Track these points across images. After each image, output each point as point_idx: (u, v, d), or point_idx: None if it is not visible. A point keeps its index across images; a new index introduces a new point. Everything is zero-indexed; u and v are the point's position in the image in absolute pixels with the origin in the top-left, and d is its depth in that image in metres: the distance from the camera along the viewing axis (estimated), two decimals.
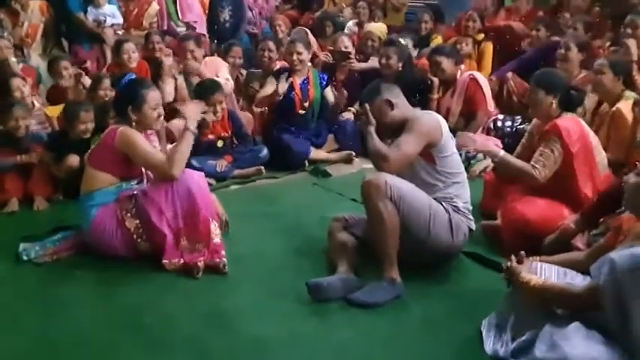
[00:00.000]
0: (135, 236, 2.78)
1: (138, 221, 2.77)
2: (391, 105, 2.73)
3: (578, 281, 2.11)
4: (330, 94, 4.74)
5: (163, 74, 4.58)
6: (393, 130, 2.74)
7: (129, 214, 2.78)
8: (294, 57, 4.55)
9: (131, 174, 2.90)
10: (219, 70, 4.79)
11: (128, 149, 2.79)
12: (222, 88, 4.29)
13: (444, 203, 2.71)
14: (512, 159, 3.02)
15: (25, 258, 2.91)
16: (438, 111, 4.20)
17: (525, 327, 2.06)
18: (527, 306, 2.10)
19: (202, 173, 2.98)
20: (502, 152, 3.02)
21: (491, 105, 4.53)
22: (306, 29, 5.81)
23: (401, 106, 2.76)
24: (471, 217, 2.81)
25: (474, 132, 4.33)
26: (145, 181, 2.97)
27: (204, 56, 4.97)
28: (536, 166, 2.95)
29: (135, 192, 2.83)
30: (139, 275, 2.76)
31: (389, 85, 2.80)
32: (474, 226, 2.84)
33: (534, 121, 3.29)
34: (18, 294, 2.66)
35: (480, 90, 4.42)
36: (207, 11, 6.28)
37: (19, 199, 3.63)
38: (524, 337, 2.02)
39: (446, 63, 4.42)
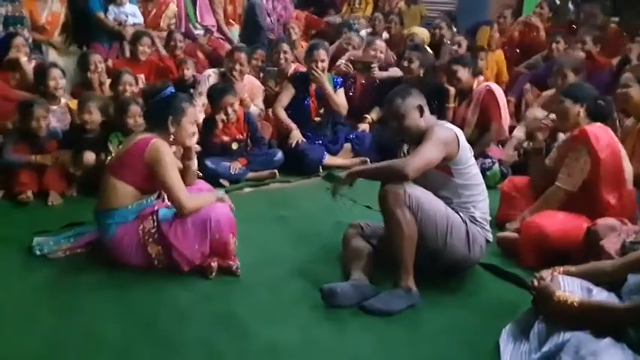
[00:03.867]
0: (156, 261, 2.75)
1: (160, 247, 2.72)
2: (421, 111, 2.72)
3: (603, 298, 2.06)
4: (341, 95, 4.73)
5: (196, 93, 4.59)
6: (413, 138, 2.73)
7: (151, 240, 2.72)
8: (319, 64, 4.55)
9: (152, 187, 2.80)
10: (256, 97, 4.78)
11: (156, 166, 2.68)
12: (235, 91, 4.28)
13: (461, 213, 2.68)
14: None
15: (38, 252, 2.90)
16: (453, 120, 4.20)
17: (551, 335, 2.00)
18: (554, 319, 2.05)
19: (226, 205, 2.86)
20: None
21: (506, 118, 4.49)
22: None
23: (427, 116, 2.75)
24: (488, 228, 2.78)
25: (488, 144, 4.34)
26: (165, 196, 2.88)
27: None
28: (561, 176, 2.95)
29: (156, 209, 2.77)
30: (152, 275, 2.74)
31: (419, 92, 2.79)
32: (491, 238, 2.82)
33: (561, 136, 3.28)
34: (31, 290, 2.64)
35: (495, 101, 4.38)
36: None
37: (33, 192, 3.64)
38: (546, 349, 1.97)
39: (462, 72, 4.40)
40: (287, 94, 4.65)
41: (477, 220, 2.71)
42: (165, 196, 2.86)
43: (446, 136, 2.65)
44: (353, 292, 2.55)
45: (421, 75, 4.77)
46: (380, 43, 5.32)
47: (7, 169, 3.66)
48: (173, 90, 2.88)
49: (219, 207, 2.79)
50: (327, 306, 2.52)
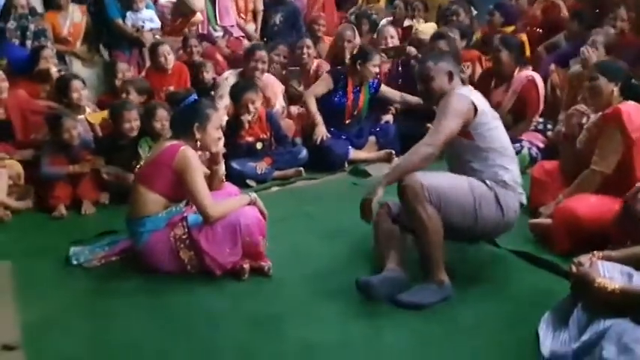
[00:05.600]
0: (189, 267, 2.78)
1: (192, 253, 2.75)
2: (450, 77, 2.72)
3: None
4: (388, 91, 4.74)
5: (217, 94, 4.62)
6: (437, 101, 2.72)
7: (183, 246, 2.75)
8: (372, 69, 4.55)
9: (181, 195, 2.81)
10: (276, 96, 4.80)
11: (184, 173, 2.70)
12: (257, 88, 4.30)
13: (487, 181, 2.61)
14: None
15: (74, 262, 2.96)
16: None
17: (592, 323, 1.97)
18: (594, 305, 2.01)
19: (256, 209, 2.84)
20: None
21: (541, 107, 4.41)
22: (353, 26, 5.81)
23: (455, 83, 2.74)
24: (521, 190, 2.71)
25: (521, 133, 4.25)
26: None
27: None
28: (595, 158, 2.91)
29: (185, 216, 2.79)
30: (185, 278, 2.77)
31: (454, 59, 2.80)
32: (524, 200, 2.74)
33: (592, 118, 3.18)
34: (68, 298, 2.70)
35: (536, 93, 4.31)
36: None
37: (66, 206, 3.70)
38: (586, 337, 1.93)
39: (504, 54, 4.32)
40: (323, 85, 4.63)
41: (507, 184, 2.63)
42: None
43: (461, 103, 2.61)
44: (388, 284, 2.54)
45: None
46: (390, 29, 5.33)
47: (44, 181, 3.74)
48: (196, 97, 2.92)
49: (249, 210, 2.80)
50: (361, 299, 2.52)
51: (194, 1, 5.65)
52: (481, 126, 2.64)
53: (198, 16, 5.84)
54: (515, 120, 4.30)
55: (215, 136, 2.88)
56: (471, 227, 2.60)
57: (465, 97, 2.65)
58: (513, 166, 2.71)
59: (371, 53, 4.62)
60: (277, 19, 6.11)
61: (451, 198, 2.54)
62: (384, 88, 4.74)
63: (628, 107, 2.91)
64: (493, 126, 2.69)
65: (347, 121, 4.68)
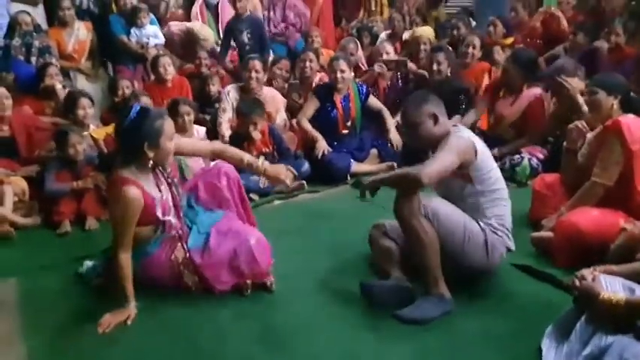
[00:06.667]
0: (193, 288, 2.75)
1: (197, 278, 2.71)
2: (436, 119, 2.66)
3: None
4: (375, 102, 4.77)
5: (222, 102, 4.67)
6: (427, 145, 2.70)
7: (186, 271, 2.70)
8: (338, 75, 4.57)
9: (150, 216, 2.60)
10: (279, 110, 4.85)
11: (111, 203, 2.49)
12: (263, 110, 4.35)
13: (481, 223, 2.63)
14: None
15: (87, 277, 2.95)
16: (489, 112, 4.14)
17: (594, 336, 1.97)
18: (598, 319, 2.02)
19: (261, 235, 2.81)
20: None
21: (544, 127, 4.44)
22: (355, 39, 5.87)
23: (442, 123, 2.68)
24: (510, 237, 2.71)
25: (521, 147, 4.26)
26: (172, 219, 2.71)
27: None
28: (596, 170, 2.93)
29: (181, 234, 2.72)
30: (189, 294, 2.77)
31: (437, 98, 2.74)
32: (513, 247, 2.74)
33: (590, 135, 3.18)
34: (73, 314, 2.71)
35: (543, 111, 4.32)
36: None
37: (70, 221, 3.73)
38: (587, 351, 1.94)
39: (513, 70, 4.33)
40: (311, 105, 4.68)
41: (497, 231, 2.65)
42: (180, 210, 2.77)
43: (460, 144, 2.59)
44: (391, 292, 2.59)
45: (448, 74, 4.76)
46: (386, 45, 5.52)
47: (49, 197, 3.77)
48: (138, 107, 2.56)
49: (255, 240, 2.73)
50: (367, 311, 2.55)
51: (204, 42, 5.72)
52: (482, 168, 2.62)
53: (208, 44, 5.91)
54: (517, 134, 4.31)
55: (170, 149, 2.59)
56: (456, 255, 2.59)
57: (465, 138, 2.63)
58: (505, 211, 2.71)
59: (333, 60, 4.67)
60: (245, 37, 5.83)
61: (444, 223, 2.55)
62: (371, 99, 4.78)
63: (628, 119, 2.93)
64: (493, 167, 2.69)
65: (344, 131, 4.70)
